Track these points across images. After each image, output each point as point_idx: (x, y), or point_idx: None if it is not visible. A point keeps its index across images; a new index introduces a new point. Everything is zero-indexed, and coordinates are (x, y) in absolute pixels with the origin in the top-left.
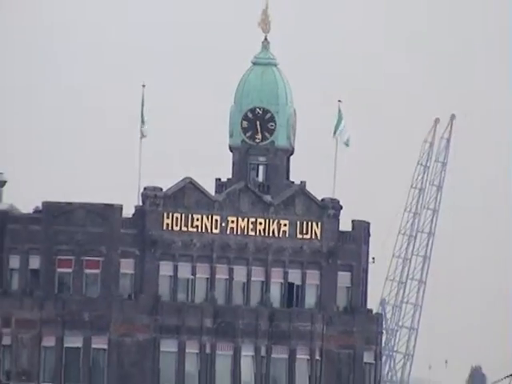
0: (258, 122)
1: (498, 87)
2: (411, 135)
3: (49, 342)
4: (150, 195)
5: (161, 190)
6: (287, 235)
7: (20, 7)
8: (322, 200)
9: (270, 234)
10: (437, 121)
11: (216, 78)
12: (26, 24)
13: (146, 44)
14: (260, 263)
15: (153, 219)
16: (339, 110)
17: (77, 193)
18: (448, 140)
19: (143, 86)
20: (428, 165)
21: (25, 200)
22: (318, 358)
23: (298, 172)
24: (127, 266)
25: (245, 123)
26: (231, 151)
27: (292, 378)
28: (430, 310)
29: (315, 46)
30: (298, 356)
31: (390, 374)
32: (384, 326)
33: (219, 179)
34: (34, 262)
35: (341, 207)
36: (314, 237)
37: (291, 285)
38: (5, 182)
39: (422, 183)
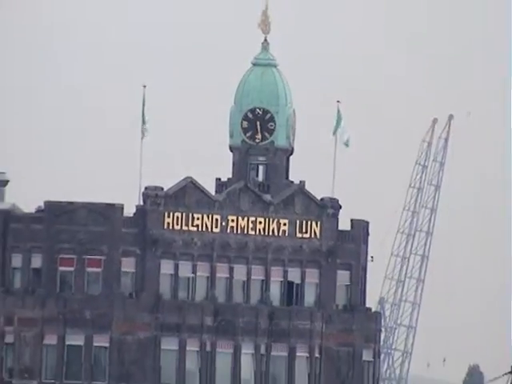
0: (257, 123)
1: (496, 88)
2: (409, 135)
3: (51, 339)
4: (151, 195)
5: (162, 189)
6: (287, 234)
7: (20, 7)
8: (322, 199)
9: (270, 233)
10: (435, 121)
11: (216, 78)
12: (26, 24)
13: (146, 44)
14: (260, 262)
15: (154, 218)
16: (338, 111)
17: (78, 192)
18: (446, 140)
19: (144, 86)
20: (426, 164)
21: (27, 199)
22: (317, 355)
23: (297, 172)
24: (128, 265)
25: (245, 123)
26: (231, 151)
27: (291, 375)
28: (429, 309)
29: (315, 47)
30: (297, 354)
31: (388, 371)
32: (383, 324)
33: (219, 179)
34: (36, 261)
35: (340, 206)
36: (313, 236)
37: (291, 283)
38: (7, 181)
39: (420, 183)
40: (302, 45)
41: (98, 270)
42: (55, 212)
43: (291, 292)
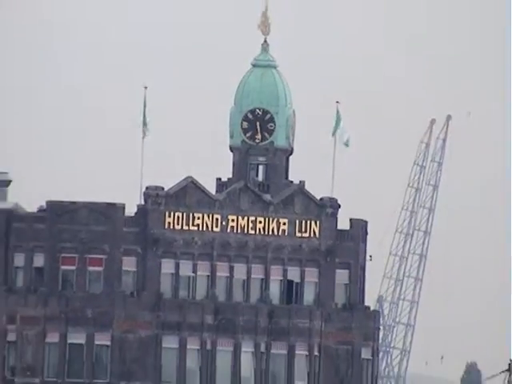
0: (257, 123)
1: (495, 89)
2: (408, 136)
3: (53, 338)
4: (152, 194)
5: (162, 189)
6: (286, 233)
7: (20, 7)
8: (321, 199)
9: (270, 233)
10: (433, 122)
11: (216, 79)
12: (26, 23)
13: (146, 44)
14: (260, 261)
15: (155, 218)
16: (337, 111)
17: (80, 192)
18: (444, 140)
19: (145, 87)
20: (424, 165)
21: (29, 199)
22: (316, 353)
23: (297, 172)
24: (130, 264)
25: (245, 124)
26: (231, 151)
27: (291, 373)
28: (427, 307)
29: (314, 48)
30: (296, 352)
31: (387, 369)
32: (381, 322)
33: (220, 179)
34: (39, 260)
35: (339, 206)
36: (312, 235)
37: (290, 282)
38: (10, 181)
39: (418, 183)
40: (301, 46)
41: (100, 268)
42: (57, 211)
43: (291, 291)
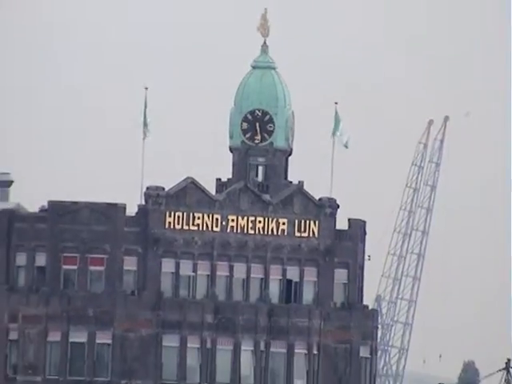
0: (257, 124)
1: (494, 89)
2: (406, 137)
3: (54, 336)
4: (153, 194)
5: (163, 189)
6: (286, 233)
7: (20, 7)
8: (320, 199)
9: (269, 233)
10: (430, 123)
11: (216, 81)
12: (26, 23)
13: (146, 44)
14: (259, 260)
15: (155, 218)
16: (336, 112)
17: (81, 192)
18: (441, 141)
19: (146, 88)
20: (422, 165)
21: (30, 199)
22: (315, 352)
23: (296, 172)
24: (130, 264)
25: (244, 125)
26: (231, 152)
27: (290, 371)
28: (425, 306)
29: (313, 50)
30: (296, 350)
31: (385, 367)
32: (379, 321)
33: (220, 179)
34: (40, 260)
35: (337, 206)
36: (311, 235)
37: (289, 281)
38: (11, 181)
39: (416, 183)
40: (300, 47)
41: (101, 268)
42: (59, 211)
43: (290, 290)
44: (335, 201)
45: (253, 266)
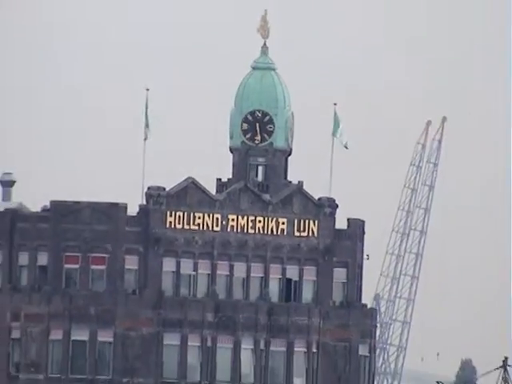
0: (257, 124)
1: (492, 90)
2: (404, 137)
3: (56, 335)
4: (154, 194)
5: (164, 189)
6: (285, 233)
7: (20, 7)
8: (319, 199)
9: (269, 232)
10: (429, 123)
11: (217, 81)
12: (26, 23)
13: (147, 44)
14: (259, 260)
15: (156, 217)
16: (335, 113)
17: (83, 192)
18: (439, 142)
19: (147, 89)
20: (420, 165)
21: (33, 199)
22: (314, 350)
23: (295, 172)
24: (132, 263)
25: (245, 125)
26: (231, 152)
27: (290, 370)
28: (423, 305)
29: (313, 51)
30: (295, 349)
31: (383, 365)
32: (378, 319)
33: (220, 179)
34: (43, 259)
35: (337, 206)
36: (310, 234)
37: (289, 280)
38: (14, 181)
39: (414, 183)
40: (300, 49)
41: (103, 267)
42: (61, 211)
43: (289, 289)
44: (334, 200)
45: (253, 265)
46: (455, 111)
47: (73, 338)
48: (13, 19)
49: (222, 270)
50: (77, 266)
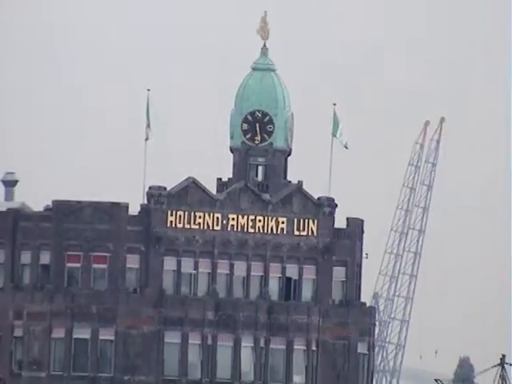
0: (257, 125)
1: (490, 91)
2: (403, 137)
3: (58, 333)
4: (155, 194)
5: (165, 189)
6: (285, 232)
7: (20, 7)
8: (318, 198)
9: (269, 231)
10: (427, 123)
11: (217, 82)
12: (25, 23)
13: (147, 44)
14: (259, 258)
15: (157, 217)
16: (334, 113)
17: (85, 192)
18: (438, 142)
19: (148, 90)
20: (419, 165)
21: (36, 199)
22: (314, 348)
23: (295, 172)
24: (133, 261)
25: (245, 126)
26: (232, 152)
27: (289, 367)
28: (421, 304)
29: (313, 52)
30: (295, 347)
31: (382, 363)
32: (377, 318)
33: (220, 179)
34: (45, 258)
35: (336, 205)
36: (310, 233)
37: (289, 279)
38: (16, 181)
39: (413, 183)
40: (300, 50)
41: (104, 266)
42: (63, 211)
43: (289, 287)
44: (333, 200)
45: (253, 264)
46: (455, 111)
47: (75, 336)
48: (13, 19)
49: (223, 268)
50: (79, 265)
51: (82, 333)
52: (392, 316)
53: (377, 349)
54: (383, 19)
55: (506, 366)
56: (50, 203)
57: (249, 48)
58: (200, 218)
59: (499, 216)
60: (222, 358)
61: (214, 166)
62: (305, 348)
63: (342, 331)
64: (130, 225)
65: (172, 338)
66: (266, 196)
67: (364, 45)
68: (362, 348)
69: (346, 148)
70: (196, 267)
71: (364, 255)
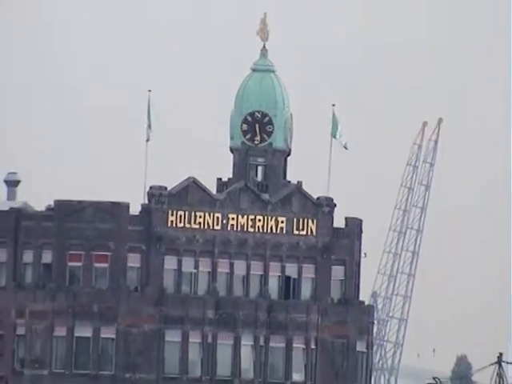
0: (257, 125)
1: (490, 91)
2: (401, 138)
3: (60, 331)
4: (156, 194)
5: (166, 188)
6: (284, 231)
7: (20, 7)
8: (317, 198)
9: (268, 231)
10: (425, 124)
11: (217, 83)
12: (26, 23)
13: (147, 46)
14: (259, 258)
15: (158, 216)
16: (333, 114)
17: (86, 192)
18: (435, 142)
19: (149, 91)
20: (417, 165)
21: (38, 198)
22: (313, 347)
23: (294, 172)
24: (134, 261)
25: (244, 126)
26: (232, 152)
27: (289, 365)
28: (419, 302)
29: (312, 53)
30: (294, 345)
31: (381, 361)
32: (375, 316)
33: (220, 179)
34: (47, 257)
35: (335, 205)
36: (309, 233)
37: (288, 278)
38: (18, 181)
39: (411, 183)
40: (299, 51)
41: (105, 265)
42: (65, 210)
43: (288, 286)
44: (332, 200)
45: (252, 263)
46: (455, 111)
47: (76, 334)
48: (13, 19)
49: (223, 267)
50: (80, 264)
51: (84, 331)
52: (390, 314)
53: (375, 347)
54: (383, 19)
55: (503, 364)
56: (51, 203)
57: (248, 49)
58: (200, 217)
59: (498, 216)
60: (222, 356)
61: (213, 166)
62: (304, 346)
63: (341, 330)
64: (131, 224)
65: (172, 336)
66: (266, 196)
67: (363, 45)
68: (360, 346)
69: (346, 148)
70: (196, 266)
71: (362, 254)
